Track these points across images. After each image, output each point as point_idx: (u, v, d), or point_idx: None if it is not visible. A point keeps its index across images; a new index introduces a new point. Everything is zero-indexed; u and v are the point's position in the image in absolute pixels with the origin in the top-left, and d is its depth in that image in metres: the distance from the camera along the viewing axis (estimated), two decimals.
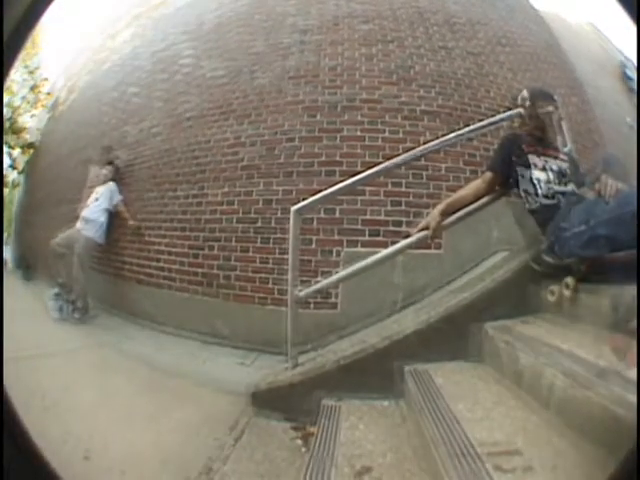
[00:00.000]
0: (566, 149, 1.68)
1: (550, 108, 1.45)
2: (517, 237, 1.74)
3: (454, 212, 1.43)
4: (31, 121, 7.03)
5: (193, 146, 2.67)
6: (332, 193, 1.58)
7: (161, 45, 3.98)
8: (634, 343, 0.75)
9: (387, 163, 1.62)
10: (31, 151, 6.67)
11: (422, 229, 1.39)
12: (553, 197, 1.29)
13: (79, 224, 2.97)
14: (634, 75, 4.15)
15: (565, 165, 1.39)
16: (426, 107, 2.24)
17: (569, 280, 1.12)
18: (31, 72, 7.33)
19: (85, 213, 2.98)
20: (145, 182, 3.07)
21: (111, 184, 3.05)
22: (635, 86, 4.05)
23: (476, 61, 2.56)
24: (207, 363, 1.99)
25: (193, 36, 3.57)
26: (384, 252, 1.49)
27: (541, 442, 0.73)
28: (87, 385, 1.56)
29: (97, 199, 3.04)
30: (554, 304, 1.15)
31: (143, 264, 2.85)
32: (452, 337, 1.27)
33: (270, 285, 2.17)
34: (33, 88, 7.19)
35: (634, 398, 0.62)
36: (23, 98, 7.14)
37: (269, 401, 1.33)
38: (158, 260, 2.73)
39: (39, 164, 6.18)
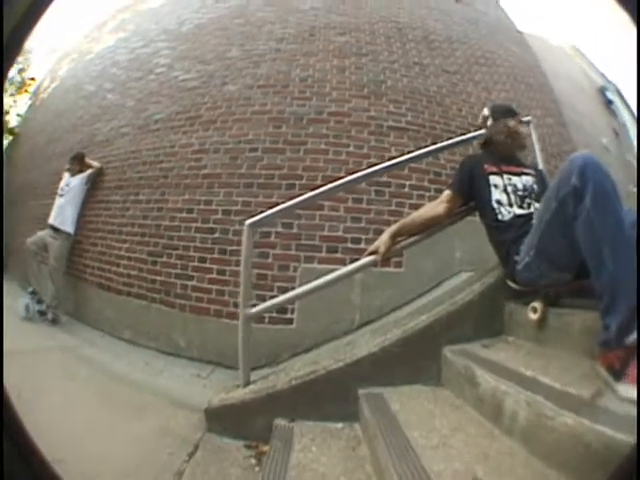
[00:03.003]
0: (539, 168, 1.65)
1: (512, 122, 1.38)
2: (481, 258, 1.70)
3: (412, 234, 1.38)
4: (15, 105, 6.79)
5: (158, 150, 2.58)
6: (288, 207, 1.51)
7: (141, 42, 3.89)
8: (631, 359, 0.70)
9: (345, 179, 1.55)
10: (11, 137, 6.42)
11: (371, 253, 1.30)
12: (511, 223, 1.20)
13: (51, 219, 2.88)
14: (614, 98, 4.28)
15: (531, 181, 1.30)
16: (394, 123, 2.20)
17: (536, 304, 1.06)
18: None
19: (58, 204, 2.91)
20: (110, 183, 2.96)
21: (83, 176, 2.95)
22: (615, 108, 4.17)
23: (450, 79, 2.54)
24: (164, 374, 1.93)
25: (172, 36, 3.49)
26: (332, 275, 1.42)
27: (504, 472, 0.68)
28: (52, 388, 1.53)
29: (68, 190, 2.95)
30: (531, 323, 1.10)
31: (104, 268, 2.74)
32: (408, 361, 1.22)
33: (226, 297, 2.08)
34: (20, 71, 6.95)
35: (605, 427, 0.59)
36: (10, 81, 6.89)
37: (222, 418, 1.29)
38: (118, 265, 2.63)
39: (17, 152, 5.94)
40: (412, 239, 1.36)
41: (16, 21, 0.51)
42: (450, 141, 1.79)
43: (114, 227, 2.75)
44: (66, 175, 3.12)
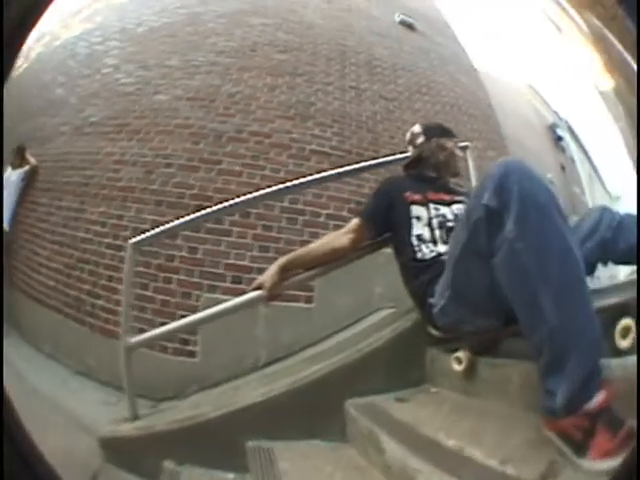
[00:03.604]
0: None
1: (450, 143, 1.26)
2: (404, 294, 1.66)
3: (308, 267, 1.29)
4: None
5: (86, 155, 2.51)
6: (173, 227, 1.50)
7: (100, 37, 3.81)
8: (598, 428, 0.51)
9: (240, 199, 1.52)
10: None
11: (257, 288, 1.18)
12: (432, 264, 1.03)
13: None
14: (565, 134, 4.42)
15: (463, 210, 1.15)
16: (317, 147, 2.17)
17: (460, 354, 0.91)
18: None
19: None
20: (42, 184, 2.84)
21: (21, 172, 2.85)
22: (564, 144, 4.31)
23: (387, 106, 2.54)
24: (76, 395, 1.90)
25: (127, 36, 3.40)
26: (211, 311, 1.37)
27: None
28: None
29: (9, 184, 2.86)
30: (457, 374, 0.94)
31: (28, 274, 2.63)
32: (301, 414, 1.10)
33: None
34: None
35: None
36: None
37: (114, 450, 1.25)
38: (39, 273, 2.53)
39: None
40: (310, 273, 1.26)
41: (16, 21, 0.50)
42: (364, 163, 1.74)
43: (39, 232, 2.65)
44: (9, 168, 3.01)
